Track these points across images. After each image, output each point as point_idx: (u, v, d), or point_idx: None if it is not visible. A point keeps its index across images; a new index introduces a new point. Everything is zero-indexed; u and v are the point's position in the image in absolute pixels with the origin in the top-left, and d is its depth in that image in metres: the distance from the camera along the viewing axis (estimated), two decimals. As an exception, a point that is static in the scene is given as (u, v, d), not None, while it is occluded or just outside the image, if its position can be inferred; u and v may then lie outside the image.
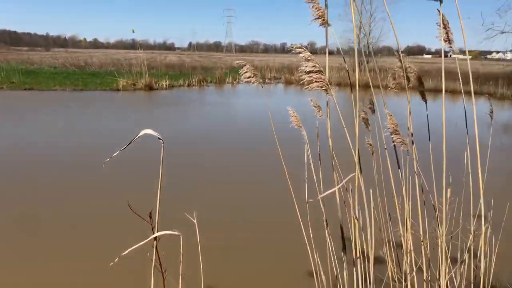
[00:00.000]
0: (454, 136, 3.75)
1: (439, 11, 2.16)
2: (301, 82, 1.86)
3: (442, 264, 2.40)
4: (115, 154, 1.79)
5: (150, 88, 21.53)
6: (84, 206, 5.90)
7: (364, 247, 2.55)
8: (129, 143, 1.74)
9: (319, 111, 2.53)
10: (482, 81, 25.95)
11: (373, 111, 2.46)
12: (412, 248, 2.47)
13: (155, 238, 1.85)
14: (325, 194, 1.94)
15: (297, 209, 2.37)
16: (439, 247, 2.41)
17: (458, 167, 2.43)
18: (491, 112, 2.50)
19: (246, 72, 2.32)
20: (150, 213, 2.10)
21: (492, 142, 2.87)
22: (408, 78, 2.31)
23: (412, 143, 2.34)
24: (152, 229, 1.95)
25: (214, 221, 5.42)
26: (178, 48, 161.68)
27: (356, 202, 2.04)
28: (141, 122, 12.64)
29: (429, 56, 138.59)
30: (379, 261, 2.63)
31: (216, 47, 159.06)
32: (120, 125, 12.04)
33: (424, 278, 2.47)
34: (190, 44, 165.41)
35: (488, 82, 25.26)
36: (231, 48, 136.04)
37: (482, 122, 2.51)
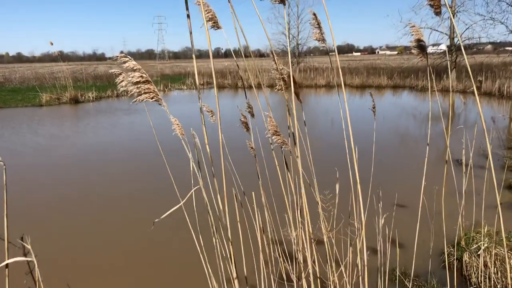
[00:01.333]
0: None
1: (314, 14, 2.19)
2: (129, 95, 1.80)
3: (329, 260, 2.45)
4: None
5: (75, 101, 20.70)
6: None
7: (261, 248, 2.55)
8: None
9: (212, 116, 2.51)
10: (406, 75, 27.30)
11: (253, 115, 2.46)
12: (304, 247, 2.49)
13: (6, 266, 1.72)
14: (168, 212, 1.89)
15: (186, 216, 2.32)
16: (326, 244, 2.45)
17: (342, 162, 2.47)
18: (373, 107, 2.56)
19: (122, 81, 2.24)
20: (22, 237, 1.97)
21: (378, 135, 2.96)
22: (284, 80, 2.32)
23: (295, 143, 2.36)
24: (25, 255, 1.83)
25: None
26: (109, 58, 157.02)
27: (226, 207, 2.01)
28: (54, 136, 12.11)
29: (358, 53, 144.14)
30: (274, 262, 2.63)
31: (149, 55, 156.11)
32: (28, 139, 11.46)
33: (318, 275, 2.50)
34: (121, 53, 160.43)
35: (410, 76, 26.58)
36: (164, 56, 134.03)
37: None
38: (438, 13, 1.90)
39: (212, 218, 2.31)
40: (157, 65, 63.04)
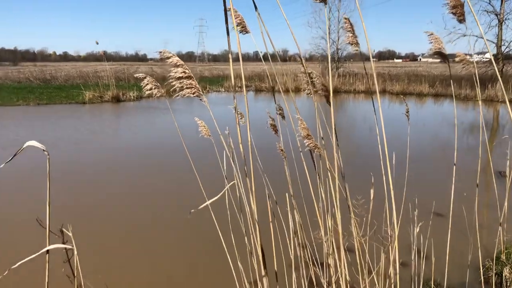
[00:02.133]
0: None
1: (346, 18, 2.18)
2: (172, 89, 1.83)
3: (361, 266, 2.40)
4: (1, 166, 1.73)
5: (117, 100, 21.27)
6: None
7: (290, 251, 2.53)
8: (14, 156, 1.67)
9: (242, 118, 2.52)
10: (448, 83, 26.58)
11: (283, 117, 2.46)
12: (334, 251, 2.46)
13: (47, 252, 1.78)
14: (202, 206, 1.90)
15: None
16: (357, 250, 2.41)
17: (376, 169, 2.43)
18: (407, 112, 2.51)
19: (147, 84, 2.29)
20: (61, 228, 2.04)
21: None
22: (313, 83, 2.31)
23: (324, 148, 2.34)
24: (64, 243, 1.89)
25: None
26: (151, 59, 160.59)
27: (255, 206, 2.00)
28: (97, 131, 12.47)
29: (400, 60, 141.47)
30: (305, 265, 2.61)
31: (189, 57, 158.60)
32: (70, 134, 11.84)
33: (348, 280, 2.46)
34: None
35: (453, 84, 25.88)
36: (203, 58, 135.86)
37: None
38: (461, 21, 1.85)
39: (242, 217, 2.32)
40: (196, 67, 63.99)
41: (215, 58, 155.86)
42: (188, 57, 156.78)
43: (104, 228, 5.65)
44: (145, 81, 2.13)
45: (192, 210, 1.77)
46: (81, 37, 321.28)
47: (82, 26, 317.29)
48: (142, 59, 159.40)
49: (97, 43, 22.06)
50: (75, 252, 1.81)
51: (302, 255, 2.60)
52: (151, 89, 2.14)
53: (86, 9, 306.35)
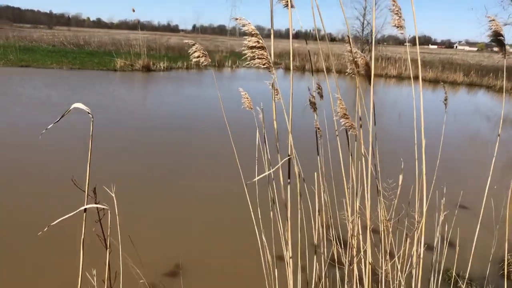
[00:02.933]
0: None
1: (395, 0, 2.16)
2: (243, 58, 1.85)
3: (383, 250, 2.42)
4: (49, 127, 1.80)
5: (147, 69, 21.45)
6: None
7: (314, 230, 2.57)
8: (61, 117, 1.74)
9: (277, 94, 2.53)
10: (484, 73, 25.84)
11: (322, 96, 2.46)
12: (359, 233, 2.49)
13: (84, 210, 1.87)
14: (259, 177, 1.94)
15: (246, 190, 2.38)
16: (382, 232, 2.43)
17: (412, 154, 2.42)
18: (445, 100, 2.48)
19: (195, 51, 2.31)
20: (94, 189, 2.13)
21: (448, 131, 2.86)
22: (356, 64, 2.30)
23: (360, 127, 2.34)
24: (95, 203, 1.98)
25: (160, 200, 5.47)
26: (182, 30, 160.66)
27: (288, 186, 2.04)
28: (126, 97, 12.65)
29: (435, 46, 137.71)
30: (327, 244, 2.65)
31: (221, 30, 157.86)
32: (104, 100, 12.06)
33: (370, 262, 2.49)
34: (194, 26, 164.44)
35: (488, 75, 25.12)
36: (235, 32, 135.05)
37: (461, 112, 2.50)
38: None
39: (271, 193, 2.36)
40: (227, 41, 63.73)
41: (246, 33, 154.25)
42: (219, 31, 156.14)
43: (136, 192, 5.79)
44: (194, 48, 2.15)
45: (248, 182, 1.81)
46: (114, 4, 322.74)
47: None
48: (174, 29, 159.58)
49: (134, 11, 22.15)
50: (109, 212, 1.89)
51: (325, 233, 2.63)
52: (198, 56, 2.16)
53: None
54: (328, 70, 21.83)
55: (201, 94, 15.56)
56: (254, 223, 2.44)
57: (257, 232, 2.46)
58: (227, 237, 4.73)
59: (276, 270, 2.51)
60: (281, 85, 2.29)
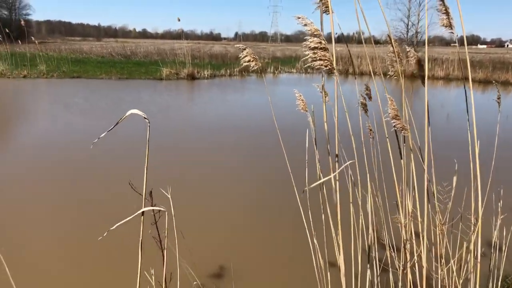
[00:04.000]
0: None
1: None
2: (303, 59, 1.85)
3: (439, 254, 2.37)
4: (102, 135, 1.89)
5: (192, 77, 21.88)
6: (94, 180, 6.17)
7: (365, 233, 2.55)
8: (116, 124, 1.83)
9: (326, 97, 2.54)
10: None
11: (370, 97, 2.44)
12: (412, 236, 2.45)
13: (142, 213, 1.94)
14: (316, 184, 1.96)
15: (296, 194, 2.40)
16: (437, 236, 2.37)
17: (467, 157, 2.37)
18: (499, 98, 2.41)
19: (246, 56, 2.35)
20: (151, 192, 2.21)
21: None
22: (402, 65, 2.27)
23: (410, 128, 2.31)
24: (152, 206, 2.06)
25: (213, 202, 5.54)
26: (225, 38, 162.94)
27: (338, 188, 2.04)
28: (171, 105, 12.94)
29: (484, 46, 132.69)
30: (380, 248, 2.61)
31: (262, 37, 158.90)
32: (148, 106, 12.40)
33: (424, 267, 2.44)
34: (236, 34, 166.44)
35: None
36: (276, 38, 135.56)
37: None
38: None
39: (322, 195, 2.37)
40: (269, 47, 64.03)
41: (287, 39, 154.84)
42: (261, 37, 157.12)
43: (189, 194, 5.92)
44: (245, 52, 2.19)
45: (305, 188, 1.84)
46: (159, 15, 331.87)
47: (160, 4, 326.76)
48: (216, 38, 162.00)
49: (179, 20, 22.67)
50: (166, 214, 1.95)
51: (378, 237, 2.60)
52: (249, 60, 2.20)
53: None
54: (373, 73, 21.35)
55: (247, 99, 15.72)
56: (306, 227, 2.44)
57: (308, 236, 2.47)
58: (279, 241, 4.74)
59: (328, 274, 2.50)
60: (326, 89, 2.30)
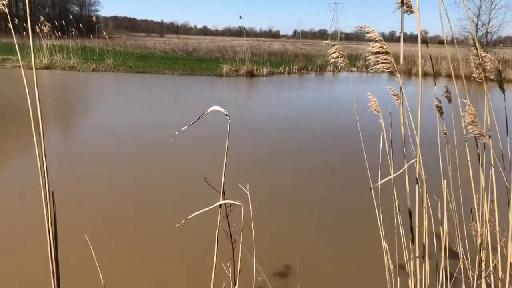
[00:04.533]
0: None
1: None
2: (366, 63, 1.87)
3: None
4: (183, 128, 1.97)
5: (251, 74, 22.09)
6: (169, 171, 6.36)
7: (438, 239, 2.49)
8: (197, 119, 1.90)
9: (397, 99, 2.51)
10: None
11: (450, 100, 2.38)
12: (488, 245, 2.36)
13: (219, 206, 2.01)
14: (383, 181, 1.94)
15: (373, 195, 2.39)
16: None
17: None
18: None
19: (334, 52, 2.36)
20: (223, 186, 2.28)
21: None
22: (484, 68, 2.19)
23: (489, 136, 2.23)
24: (223, 198, 2.13)
25: (283, 199, 5.55)
26: (283, 36, 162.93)
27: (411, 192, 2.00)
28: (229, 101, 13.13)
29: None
30: (451, 255, 2.54)
31: (321, 35, 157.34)
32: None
33: (500, 277, 2.35)
34: (295, 32, 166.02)
35: None
36: (336, 36, 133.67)
37: None
38: None
39: (396, 200, 2.34)
40: (329, 46, 63.07)
41: (347, 37, 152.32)
42: (320, 35, 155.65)
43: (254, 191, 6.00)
44: (333, 49, 2.22)
45: (374, 185, 1.84)
46: (219, 13, 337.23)
47: (221, 2, 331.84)
48: (275, 35, 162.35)
49: (240, 17, 22.98)
50: (242, 209, 2.01)
51: (450, 244, 2.53)
52: (337, 57, 2.22)
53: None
54: (438, 74, 20.68)
55: (306, 97, 15.67)
56: (380, 230, 2.42)
57: (382, 238, 2.44)
58: (348, 242, 4.70)
59: (398, 279, 2.47)
60: (382, 89, 2.26)
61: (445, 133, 2.34)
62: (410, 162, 1.95)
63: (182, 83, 18.06)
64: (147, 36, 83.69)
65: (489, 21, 31.41)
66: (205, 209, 1.96)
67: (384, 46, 1.90)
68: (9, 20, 1.70)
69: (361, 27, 1.92)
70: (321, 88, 19.82)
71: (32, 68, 1.73)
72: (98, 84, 17.63)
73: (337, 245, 4.61)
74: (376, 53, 1.89)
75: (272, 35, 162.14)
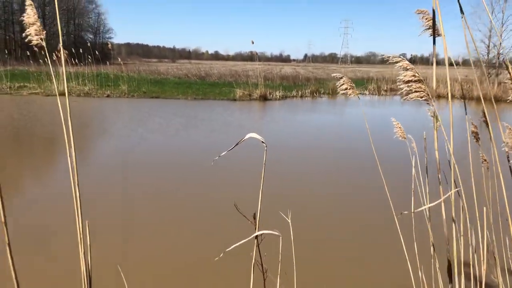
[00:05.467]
0: None
1: None
2: (399, 92, 1.85)
3: None
4: (223, 154, 1.94)
5: (264, 98, 22.21)
6: (199, 199, 6.31)
7: (476, 269, 2.40)
8: (235, 145, 1.87)
9: (437, 122, 2.46)
10: None
11: (487, 124, 2.32)
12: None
13: (256, 237, 1.96)
14: (420, 209, 1.88)
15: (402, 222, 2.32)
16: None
17: None
18: None
19: (343, 84, 2.36)
20: (254, 214, 2.23)
21: None
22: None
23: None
24: (256, 230, 2.08)
25: (310, 224, 5.46)
26: (294, 60, 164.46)
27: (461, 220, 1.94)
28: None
29: None
30: (490, 286, 2.45)
31: (332, 58, 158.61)
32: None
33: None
34: (305, 55, 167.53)
35: None
36: (346, 60, 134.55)
37: None
38: None
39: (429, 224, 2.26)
40: (339, 69, 63.70)
41: (357, 60, 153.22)
42: (330, 59, 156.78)
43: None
44: (341, 81, 2.22)
45: (404, 212, 1.78)
46: (229, 37, 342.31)
47: (232, 27, 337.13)
48: (286, 59, 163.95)
49: (253, 43, 23.27)
50: (281, 239, 1.95)
51: (489, 273, 2.45)
52: (346, 88, 2.21)
53: (234, 12, 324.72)
54: (452, 96, 20.53)
55: (320, 119, 15.65)
56: (407, 260, 2.34)
57: (411, 268, 2.36)
58: (383, 276, 4.57)
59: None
60: (402, 112, 2.21)
61: (485, 159, 2.28)
62: (453, 191, 1.89)
63: (197, 108, 18.18)
64: (159, 62, 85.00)
65: (500, 43, 31.39)
66: (243, 241, 1.91)
67: (417, 75, 1.87)
68: (46, 54, 1.72)
69: (389, 57, 1.90)
70: (336, 111, 19.81)
71: (48, 95, 1.73)
72: (113, 109, 17.82)
73: (368, 272, 4.50)
74: (408, 82, 1.86)
75: (283, 59, 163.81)
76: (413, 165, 2.41)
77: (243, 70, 38.54)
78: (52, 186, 7.16)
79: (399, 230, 2.25)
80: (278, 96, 23.08)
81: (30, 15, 1.57)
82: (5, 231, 1.27)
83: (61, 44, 1.75)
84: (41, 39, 1.61)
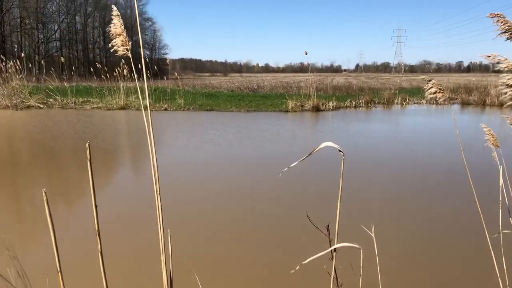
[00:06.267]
0: None
1: None
2: (501, 98, 1.72)
3: None
4: (293, 164, 1.89)
5: (317, 109, 22.04)
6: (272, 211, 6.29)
7: None
8: (309, 154, 1.82)
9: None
10: None
11: None
12: None
13: (334, 250, 1.89)
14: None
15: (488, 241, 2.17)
16: None
17: None
18: None
19: (431, 87, 2.26)
20: (328, 226, 2.16)
21: None
22: None
23: None
24: (330, 242, 2.01)
25: (393, 236, 5.27)
26: (345, 70, 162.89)
27: None
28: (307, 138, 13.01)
29: None
30: None
31: (384, 67, 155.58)
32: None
33: None
34: (357, 65, 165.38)
35: None
36: (400, 69, 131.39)
37: None
38: None
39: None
40: (393, 78, 62.32)
41: (411, 69, 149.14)
42: (383, 68, 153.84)
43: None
44: (430, 84, 2.11)
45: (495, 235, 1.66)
46: (279, 50, 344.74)
47: (282, 40, 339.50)
48: (337, 69, 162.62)
49: (306, 53, 23.32)
50: (361, 252, 1.87)
51: None
52: (435, 92, 2.10)
53: (284, 25, 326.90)
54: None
55: (377, 129, 15.30)
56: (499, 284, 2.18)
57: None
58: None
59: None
60: (469, 120, 2.06)
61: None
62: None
63: (251, 120, 18.32)
64: (212, 76, 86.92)
65: None
66: (320, 254, 1.84)
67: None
68: (132, 65, 1.75)
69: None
70: (393, 120, 19.29)
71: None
72: (172, 122, 18.31)
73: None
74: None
75: (334, 69, 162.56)
76: (501, 173, 2.25)
77: (294, 81, 38.60)
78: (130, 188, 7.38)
79: (492, 255, 2.10)
80: (331, 107, 22.82)
81: (116, 26, 1.61)
82: (95, 217, 1.29)
83: (143, 63, 1.78)
84: (127, 49, 1.64)
